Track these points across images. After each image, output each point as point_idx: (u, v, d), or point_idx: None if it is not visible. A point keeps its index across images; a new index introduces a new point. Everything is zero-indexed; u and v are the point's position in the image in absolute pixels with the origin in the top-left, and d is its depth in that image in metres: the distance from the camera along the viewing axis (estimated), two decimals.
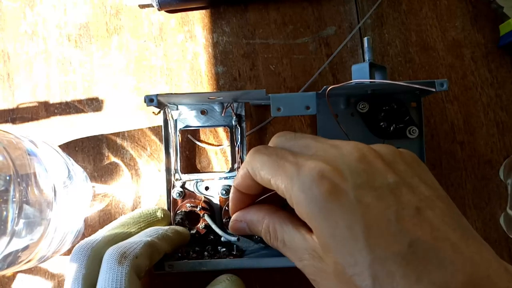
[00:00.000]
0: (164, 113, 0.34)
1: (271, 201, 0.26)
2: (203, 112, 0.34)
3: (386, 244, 0.18)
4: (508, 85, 0.37)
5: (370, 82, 0.30)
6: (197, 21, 0.38)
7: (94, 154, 0.36)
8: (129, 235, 0.29)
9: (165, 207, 0.33)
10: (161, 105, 0.32)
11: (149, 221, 0.31)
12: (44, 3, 0.38)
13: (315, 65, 0.37)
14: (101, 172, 0.36)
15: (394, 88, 0.32)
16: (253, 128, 0.36)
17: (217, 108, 0.34)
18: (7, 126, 0.37)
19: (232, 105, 0.33)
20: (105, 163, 0.36)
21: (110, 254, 0.25)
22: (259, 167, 0.23)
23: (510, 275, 0.18)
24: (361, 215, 0.19)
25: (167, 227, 0.30)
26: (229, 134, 0.35)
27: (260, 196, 0.27)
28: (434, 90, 0.28)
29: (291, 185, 0.21)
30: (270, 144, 0.25)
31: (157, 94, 0.29)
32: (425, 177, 0.22)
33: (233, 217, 0.27)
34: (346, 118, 0.34)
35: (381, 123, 0.33)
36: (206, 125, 0.35)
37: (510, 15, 0.35)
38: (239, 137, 0.34)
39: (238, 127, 0.34)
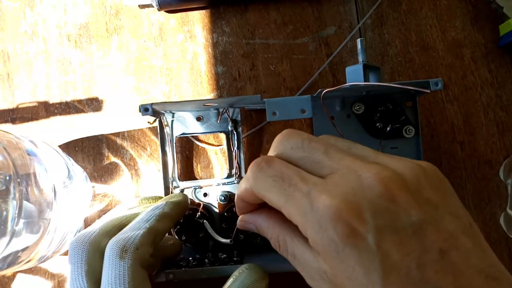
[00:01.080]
0: (160, 121, 0.33)
1: None
2: (199, 119, 0.34)
3: None
4: (508, 85, 0.37)
5: (365, 85, 0.30)
6: (197, 21, 0.38)
7: (94, 154, 0.36)
8: (127, 224, 0.27)
9: None
10: (156, 114, 0.31)
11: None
12: (44, 3, 0.38)
13: (315, 65, 0.37)
14: (101, 172, 0.36)
15: (389, 89, 0.32)
16: (253, 128, 0.36)
17: (213, 113, 0.34)
18: (7, 126, 0.37)
19: (227, 110, 0.33)
20: (105, 163, 0.36)
21: (110, 249, 0.24)
22: (266, 191, 0.21)
23: None
24: (380, 262, 0.18)
25: (163, 203, 0.28)
26: (226, 140, 0.35)
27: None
28: (428, 91, 0.28)
29: (304, 221, 0.19)
30: (272, 149, 0.23)
31: (152, 103, 0.29)
32: (450, 202, 0.20)
33: (242, 217, 0.25)
34: (342, 119, 0.34)
35: (377, 124, 0.33)
36: (202, 131, 0.34)
37: (510, 15, 0.35)
38: (235, 142, 0.34)
39: (235, 133, 0.34)
